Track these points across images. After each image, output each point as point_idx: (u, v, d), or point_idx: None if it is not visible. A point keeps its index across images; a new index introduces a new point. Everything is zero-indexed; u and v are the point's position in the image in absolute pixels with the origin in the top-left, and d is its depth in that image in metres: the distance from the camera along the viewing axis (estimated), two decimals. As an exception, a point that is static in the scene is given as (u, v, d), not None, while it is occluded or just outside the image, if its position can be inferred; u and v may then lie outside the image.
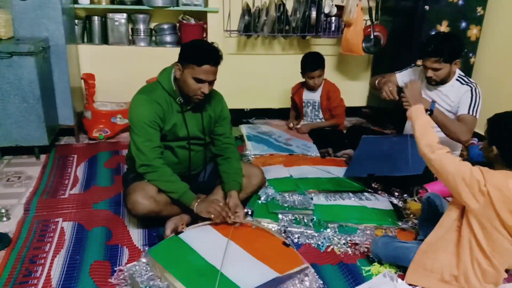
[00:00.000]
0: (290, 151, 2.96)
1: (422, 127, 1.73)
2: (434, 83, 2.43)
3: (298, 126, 3.29)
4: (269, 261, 1.71)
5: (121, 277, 1.71)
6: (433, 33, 3.21)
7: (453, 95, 2.44)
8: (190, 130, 2.09)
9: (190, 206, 1.97)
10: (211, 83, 1.97)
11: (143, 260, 1.73)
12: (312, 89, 3.25)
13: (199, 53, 1.92)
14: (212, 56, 1.92)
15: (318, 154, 2.94)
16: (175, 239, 1.84)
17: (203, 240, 1.84)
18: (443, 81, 2.43)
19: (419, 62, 3.30)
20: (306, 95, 3.31)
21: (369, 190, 2.42)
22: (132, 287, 1.66)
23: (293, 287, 1.65)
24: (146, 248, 1.91)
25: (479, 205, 1.50)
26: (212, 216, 1.92)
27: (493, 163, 1.62)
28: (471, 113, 2.35)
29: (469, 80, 2.44)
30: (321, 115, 3.30)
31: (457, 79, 2.45)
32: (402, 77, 2.67)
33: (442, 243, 1.64)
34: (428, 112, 2.25)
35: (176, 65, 1.97)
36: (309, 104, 3.32)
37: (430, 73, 2.38)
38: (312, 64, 3.16)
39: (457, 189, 1.53)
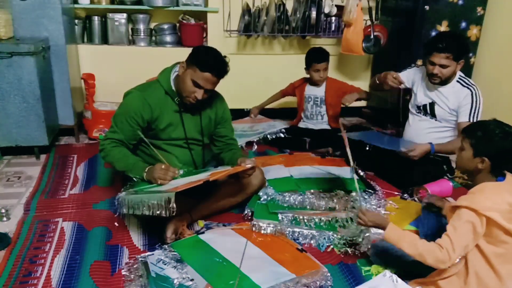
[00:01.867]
0: (260, 133, 3.22)
1: (412, 246, 1.56)
2: (438, 80, 2.42)
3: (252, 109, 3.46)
4: (286, 263, 1.76)
5: (135, 266, 1.75)
6: (433, 33, 3.24)
7: (452, 97, 2.44)
8: (187, 132, 2.09)
9: (144, 178, 1.96)
10: (207, 91, 1.97)
11: (160, 252, 1.81)
12: (317, 84, 3.24)
13: (207, 59, 1.94)
14: (218, 67, 1.94)
15: (283, 127, 3.24)
16: (195, 238, 1.90)
17: (223, 240, 1.90)
18: (445, 80, 2.43)
19: (419, 62, 3.32)
20: (309, 90, 3.30)
21: (369, 190, 2.42)
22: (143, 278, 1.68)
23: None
24: (146, 248, 1.92)
25: (483, 230, 1.47)
26: (160, 181, 1.90)
27: (474, 174, 1.60)
28: (471, 120, 2.37)
29: (469, 83, 2.44)
30: (323, 111, 3.29)
31: (457, 81, 2.45)
32: (404, 76, 2.67)
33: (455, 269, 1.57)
34: (431, 154, 2.32)
35: (182, 62, 2.00)
36: (310, 100, 3.31)
37: (436, 70, 2.38)
38: (319, 55, 3.15)
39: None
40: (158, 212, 1.73)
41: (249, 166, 1.98)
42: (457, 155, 1.68)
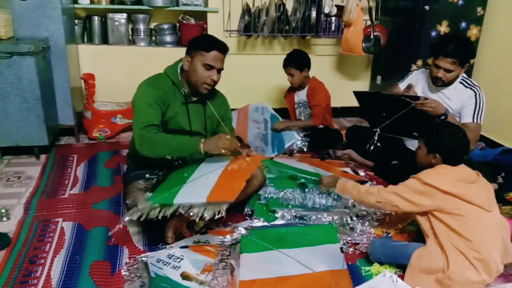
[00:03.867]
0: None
1: (356, 191, 1.95)
2: (441, 84, 2.42)
3: (273, 125, 3.20)
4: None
5: (134, 266, 1.76)
6: (433, 33, 3.24)
7: (455, 98, 2.44)
8: (192, 125, 2.09)
9: (199, 150, 1.86)
10: (219, 71, 2.02)
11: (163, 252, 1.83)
12: (296, 88, 3.21)
13: (207, 40, 2.04)
14: (220, 43, 2.03)
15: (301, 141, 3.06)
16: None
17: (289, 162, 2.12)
18: (448, 83, 2.42)
19: (419, 63, 3.32)
20: (297, 97, 3.27)
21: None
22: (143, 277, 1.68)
23: None
24: (146, 248, 1.92)
25: (432, 201, 1.71)
26: (223, 151, 1.81)
27: (429, 167, 1.84)
28: (475, 121, 2.36)
29: (472, 84, 2.43)
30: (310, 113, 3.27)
31: (460, 82, 2.45)
32: (404, 86, 2.64)
33: (430, 248, 1.72)
34: (443, 117, 2.28)
35: (184, 57, 2.03)
36: (300, 105, 3.27)
37: (440, 74, 2.36)
38: (284, 61, 3.11)
39: (410, 206, 1.77)
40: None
41: (259, 160, 2.04)
42: (416, 153, 1.96)
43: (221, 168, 1.87)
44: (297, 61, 3.07)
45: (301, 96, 3.24)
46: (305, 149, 3.01)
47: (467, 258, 1.64)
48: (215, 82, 2.04)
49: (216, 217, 1.69)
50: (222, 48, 2.02)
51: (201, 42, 2.03)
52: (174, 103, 2.05)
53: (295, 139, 3.03)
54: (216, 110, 2.18)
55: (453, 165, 1.79)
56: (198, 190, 1.75)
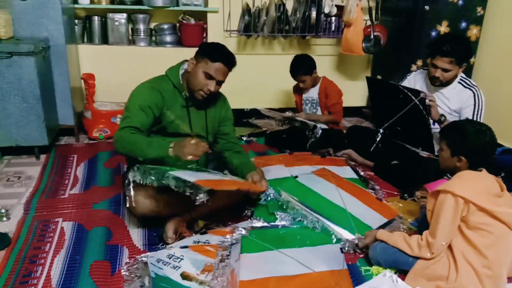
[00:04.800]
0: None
1: (400, 242, 1.72)
2: (439, 83, 2.42)
3: (297, 114, 3.21)
4: (375, 209, 2.03)
5: (134, 266, 1.76)
6: (433, 33, 3.24)
7: (454, 98, 2.44)
8: (193, 127, 2.09)
9: (168, 154, 1.84)
10: (219, 83, 2.01)
11: (163, 251, 1.85)
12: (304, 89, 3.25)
13: (217, 50, 2.01)
14: (228, 57, 2.01)
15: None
16: (293, 180, 2.16)
17: (316, 184, 2.12)
18: (447, 83, 2.42)
19: (419, 63, 3.32)
20: (305, 93, 3.31)
21: (369, 190, 2.42)
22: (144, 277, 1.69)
23: None
24: (146, 248, 1.92)
25: (460, 212, 1.58)
26: (190, 157, 1.78)
27: (454, 172, 1.71)
28: None
29: (471, 84, 2.43)
30: (319, 113, 3.29)
31: (459, 82, 2.45)
32: (406, 85, 2.65)
33: (438, 256, 1.65)
34: (443, 118, 2.28)
35: (191, 58, 2.03)
36: (307, 102, 3.31)
37: (438, 73, 2.36)
38: (292, 71, 3.14)
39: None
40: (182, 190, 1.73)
41: (263, 189, 2.08)
42: (439, 155, 1.79)
43: (221, 176, 1.95)
44: (305, 68, 3.11)
45: (310, 93, 3.27)
46: (331, 151, 3.00)
47: (477, 274, 1.58)
48: (212, 93, 2.01)
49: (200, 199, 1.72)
50: (229, 62, 2.00)
51: (209, 50, 2.00)
52: (174, 106, 2.04)
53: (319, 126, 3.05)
54: (217, 112, 2.19)
55: (479, 167, 1.66)
56: (192, 175, 1.80)
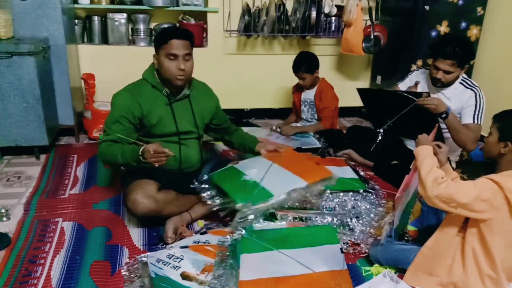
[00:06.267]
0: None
1: (428, 165, 1.60)
2: (440, 84, 2.41)
3: (283, 128, 3.21)
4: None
5: (134, 266, 1.76)
6: (433, 33, 3.24)
7: (455, 99, 2.43)
8: (179, 124, 2.09)
9: (142, 160, 1.85)
10: (185, 58, 1.99)
11: (163, 251, 1.85)
12: (306, 87, 3.25)
13: (164, 31, 2.06)
14: (176, 31, 2.04)
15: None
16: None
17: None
18: (448, 84, 2.42)
19: (419, 63, 3.32)
20: (304, 94, 3.31)
21: (370, 190, 2.42)
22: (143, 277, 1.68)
23: None
24: (146, 248, 1.92)
25: (495, 215, 1.49)
26: (157, 164, 1.82)
27: (497, 160, 1.65)
28: (475, 121, 2.35)
29: (472, 84, 2.43)
30: (316, 114, 3.29)
31: (460, 82, 2.44)
32: (404, 86, 2.64)
33: (444, 249, 1.62)
34: (444, 115, 2.26)
35: (153, 57, 2.06)
36: (306, 103, 3.31)
37: (440, 75, 2.35)
38: (295, 66, 3.16)
39: (473, 212, 1.51)
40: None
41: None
42: (485, 141, 1.75)
43: (272, 164, 2.13)
44: (308, 65, 3.12)
45: (308, 94, 3.27)
46: (331, 151, 2.99)
47: (480, 274, 1.56)
48: (186, 71, 2.00)
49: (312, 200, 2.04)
50: (181, 35, 1.98)
51: (158, 37, 2.03)
52: (157, 107, 2.05)
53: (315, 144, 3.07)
54: (206, 104, 2.20)
55: None
56: (282, 181, 2.02)
